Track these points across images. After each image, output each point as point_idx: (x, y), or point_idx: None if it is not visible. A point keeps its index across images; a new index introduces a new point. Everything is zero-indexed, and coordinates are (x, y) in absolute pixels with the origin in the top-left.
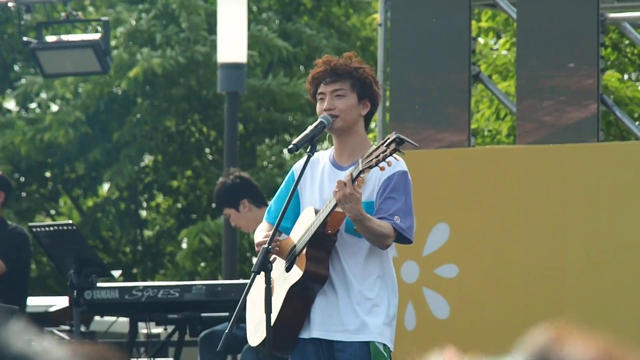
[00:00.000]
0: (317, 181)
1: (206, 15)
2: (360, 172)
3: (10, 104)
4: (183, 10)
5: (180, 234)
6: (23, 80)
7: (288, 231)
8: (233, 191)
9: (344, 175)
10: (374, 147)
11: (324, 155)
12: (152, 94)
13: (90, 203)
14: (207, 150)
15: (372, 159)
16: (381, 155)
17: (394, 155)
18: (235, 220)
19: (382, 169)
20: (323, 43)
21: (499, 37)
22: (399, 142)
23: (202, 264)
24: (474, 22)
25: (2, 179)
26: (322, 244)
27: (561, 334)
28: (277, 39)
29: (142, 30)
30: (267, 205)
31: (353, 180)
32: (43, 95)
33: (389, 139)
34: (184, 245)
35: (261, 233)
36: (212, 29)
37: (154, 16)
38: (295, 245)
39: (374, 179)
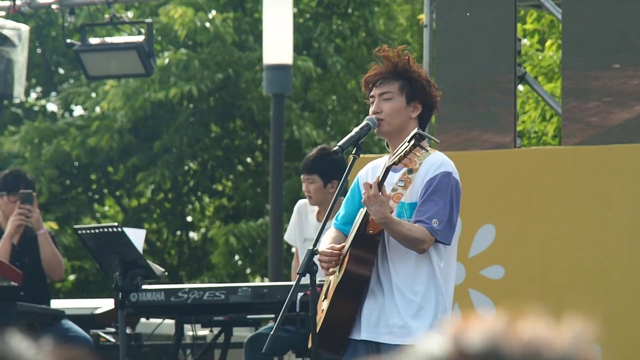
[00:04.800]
0: None
1: (239, 30)
2: (387, 169)
3: (53, 107)
4: (215, 41)
5: (211, 230)
6: (65, 85)
7: None
8: (335, 166)
9: (397, 178)
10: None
11: (384, 160)
12: (196, 99)
13: (134, 203)
14: (257, 153)
15: (395, 157)
16: (402, 152)
17: (420, 149)
18: (314, 191)
19: (406, 165)
20: (332, 59)
21: (543, 39)
22: (419, 137)
23: (239, 262)
24: (519, 25)
25: (32, 182)
26: (365, 244)
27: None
28: (301, 59)
29: (179, 61)
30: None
31: (380, 182)
32: (87, 103)
33: (409, 135)
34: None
35: (329, 240)
36: (242, 45)
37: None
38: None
39: (419, 180)
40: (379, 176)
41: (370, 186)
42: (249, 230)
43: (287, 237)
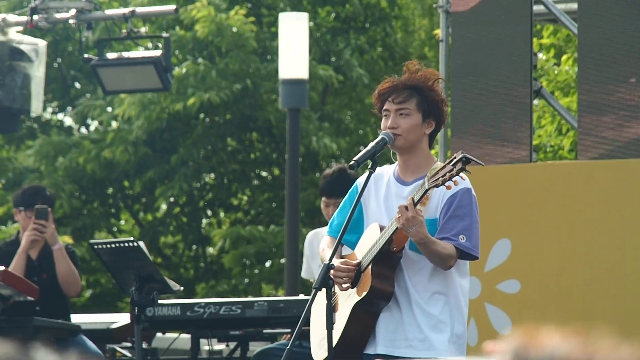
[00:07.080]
0: (382, 195)
1: (257, 41)
2: (425, 191)
3: (69, 120)
4: (235, 50)
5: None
6: (82, 100)
7: (353, 245)
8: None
9: (409, 191)
10: (440, 166)
11: (388, 170)
12: (213, 110)
13: (150, 217)
14: (274, 166)
15: (438, 178)
16: (447, 174)
17: (460, 174)
18: (331, 213)
19: (448, 187)
20: (357, 72)
21: (560, 53)
22: (466, 161)
23: (247, 268)
24: (535, 39)
25: (52, 197)
26: (388, 260)
27: (533, 336)
28: (322, 68)
29: (197, 71)
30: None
31: (415, 203)
32: (102, 116)
33: (455, 157)
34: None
35: (326, 249)
36: (263, 55)
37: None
38: (360, 262)
39: (438, 196)
40: (413, 197)
41: (406, 208)
42: (257, 233)
43: (304, 273)
